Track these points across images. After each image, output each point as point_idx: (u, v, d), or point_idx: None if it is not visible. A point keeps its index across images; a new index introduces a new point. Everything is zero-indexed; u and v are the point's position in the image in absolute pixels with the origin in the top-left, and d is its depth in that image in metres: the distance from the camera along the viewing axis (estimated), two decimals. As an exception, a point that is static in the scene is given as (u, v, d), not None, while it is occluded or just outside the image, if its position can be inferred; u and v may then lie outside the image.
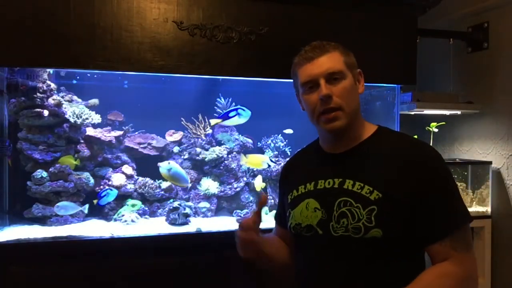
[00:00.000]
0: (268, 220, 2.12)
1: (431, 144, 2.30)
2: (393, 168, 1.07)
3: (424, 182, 1.04)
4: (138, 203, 2.10)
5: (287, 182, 1.29)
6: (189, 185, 2.23)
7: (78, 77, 2.17)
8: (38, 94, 1.93)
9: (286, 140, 2.51)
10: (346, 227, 1.05)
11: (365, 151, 1.13)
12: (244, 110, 2.17)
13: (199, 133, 2.35)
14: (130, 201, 2.09)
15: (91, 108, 2.12)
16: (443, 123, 2.34)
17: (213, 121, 2.24)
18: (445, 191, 1.05)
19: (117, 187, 2.09)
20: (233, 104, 2.40)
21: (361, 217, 1.03)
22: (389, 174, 1.06)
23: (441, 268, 1.02)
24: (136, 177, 2.20)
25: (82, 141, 2.11)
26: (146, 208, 2.12)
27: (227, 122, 2.21)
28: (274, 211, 2.22)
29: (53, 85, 2.00)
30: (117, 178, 2.11)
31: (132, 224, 1.95)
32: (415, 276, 1.01)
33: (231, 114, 2.17)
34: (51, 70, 2.00)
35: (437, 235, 1.03)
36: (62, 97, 2.07)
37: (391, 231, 1.02)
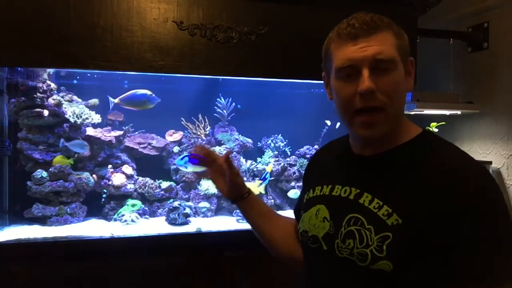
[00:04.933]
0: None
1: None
2: (425, 189, 0.82)
3: (464, 217, 0.78)
4: (138, 203, 2.10)
5: (309, 177, 1.15)
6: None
7: (78, 77, 2.17)
8: (38, 94, 1.93)
9: (286, 140, 2.51)
10: (351, 250, 0.86)
11: (396, 160, 0.90)
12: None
13: (199, 133, 2.35)
14: (130, 201, 2.09)
15: (91, 108, 2.12)
16: (443, 123, 2.34)
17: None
18: (492, 234, 0.78)
19: (117, 187, 2.09)
20: (233, 104, 2.40)
21: (371, 242, 0.83)
22: (418, 196, 0.82)
23: None
24: (136, 177, 2.20)
25: (82, 141, 2.11)
26: (146, 208, 2.12)
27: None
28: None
29: (53, 85, 2.00)
30: (117, 178, 2.11)
31: (132, 224, 1.95)
32: None
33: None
34: (51, 70, 2.00)
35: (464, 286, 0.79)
36: (62, 97, 2.07)
37: (404, 268, 0.81)
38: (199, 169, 2.13)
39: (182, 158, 2.09)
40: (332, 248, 0.91)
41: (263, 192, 2.20)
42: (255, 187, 2.17)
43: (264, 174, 2.28)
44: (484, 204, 0.79)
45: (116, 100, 2.11)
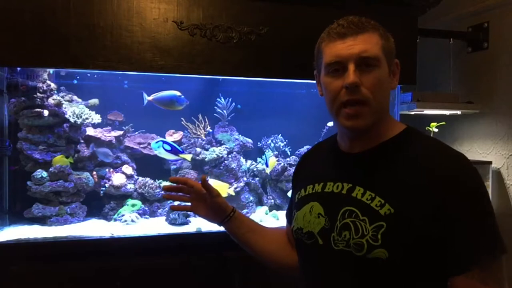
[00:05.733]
0: (268, 220, 2.13)
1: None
2: (413, 179, 0.89)
3: (450, 202, 0.85)
4: (138, 203, 2.10)
5: (298, 178, 1.20)
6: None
7: (78, 77, 2.17)
8: (38, 94, 1.93)
9: (286, 140, 2.51)
10: (347, 241, 0.92)
11: (384, 155, 0.97)
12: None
13: (199, 133, 2.35)
14: (130, 201, 2.09)
15: (91, 108, 2.12)
16: (443, 123, 2.34)
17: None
18: (477, 215, 0.87)
19: (117, 187, 2.09)
20: (233, 104, 2.40)
21: (366, 232, 0.89)
22: (408, 186, 0.89)
23: None
24: (136, 177, 2.20)
25: (82, 141, 2.11)
26: (146, 208, 2.12)
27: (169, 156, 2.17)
28: (274, 211, 2.24)
29: (53, 85, 2.00)
30: (117, 178, 2.11)
31: (132, 224, 1.95)
32: None
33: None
34: (51, 70, 2.00)
35: (463, 266, 0.85)
36: (62, 97, 2.07)
37: (399, 254, 0.87)
38: (169, 156, 2.15)
39: (157, 142, 2.12)
40: (328, 241, 0.96)
41: (233, 194, 2.19)
42: (225, 188, 2.16)
43: (266, 157, 2.29)
44: (470, 192, 0.87)
45: (150, 98, 2.13)
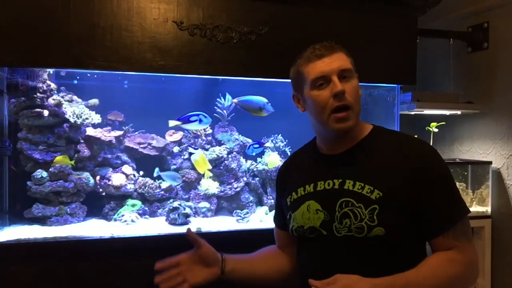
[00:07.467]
0: (268, 220, 2.12)
1: (431, 144, 2.30)
2: (390, 167, 1.09)
3: (422, 180, 1.06)
4: (138, 203, 2.10)
5: (284, 185, 1.30)
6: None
7: (78, 77, 2.17)
8: (38, 94, 1.93)
9: (286, 140, 2.51)
10: (349, 227, 1.07)
11: (362, 151, 1.15)
12: (205, 117, 2.16)
13: (199, 133, 2.35)
14: (130, 201, 2.09)
15: (91, 108, 2.12)
16: (443, 123, 2.34)
17: (172, 123, 2.16)
18: (445, 187, 1.09)
19: (117, 187, 2.09)
20: (233, 104, 2.40)
21: (364, 216, 1.06)
22: (387, 173, 1.08)
23: (447, 255, 1.06)
24: (136, 176, 2.20)
25: (82, 141, 2.11)
26: (146, 208, 2.12)
27: (187, 126, 2.18)
28: (274, 211, 2.23)
29: (53, 85, 2.00)
30: (117, 178, 2.11)
31: (132, 224, 1.95)
32: (418, 263, 1.05)
33: (192, 118, 2.15)
34: (51, 70, 2.00)
35: (440, 229, 1.06)
36: (62, 97, 2.07)
37: (393, 229, 1.05)
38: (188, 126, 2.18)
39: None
40: (331, 231, 1.10)
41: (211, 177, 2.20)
42: (205, 163, 2.17)
43: (262, 145, 2.32)
44: (437, 169, 1.09)
45: (235, 100, 2.18)
